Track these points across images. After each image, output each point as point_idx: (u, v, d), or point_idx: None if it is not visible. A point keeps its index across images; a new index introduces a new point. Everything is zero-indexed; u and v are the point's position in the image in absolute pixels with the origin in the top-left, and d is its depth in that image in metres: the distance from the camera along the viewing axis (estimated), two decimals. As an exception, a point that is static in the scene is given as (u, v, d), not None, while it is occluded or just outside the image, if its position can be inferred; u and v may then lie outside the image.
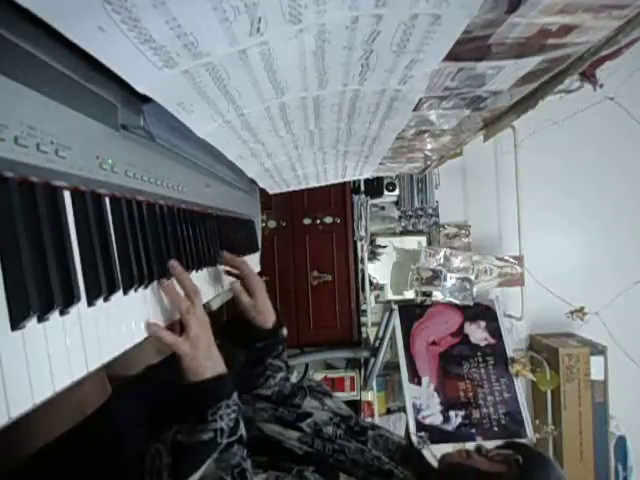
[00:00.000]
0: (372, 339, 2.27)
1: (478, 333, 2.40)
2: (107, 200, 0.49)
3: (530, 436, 2.18)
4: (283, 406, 0.85)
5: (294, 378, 0.95)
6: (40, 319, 0.37)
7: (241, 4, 0.37)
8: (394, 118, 0.77)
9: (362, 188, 2.42)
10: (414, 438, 2.14)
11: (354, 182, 2.38)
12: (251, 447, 0.65)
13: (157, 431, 0.61)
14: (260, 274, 1.21)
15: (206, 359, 0.63)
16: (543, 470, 0.72)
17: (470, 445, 0.81)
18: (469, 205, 2.68)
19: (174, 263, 0.62)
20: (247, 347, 0.89)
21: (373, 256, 2.49)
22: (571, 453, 2.36)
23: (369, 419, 2.23)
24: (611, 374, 2.38)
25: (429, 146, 1.05)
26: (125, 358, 0.52)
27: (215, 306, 0.94)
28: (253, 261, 1.28)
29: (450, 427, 2.19)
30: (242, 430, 0.64)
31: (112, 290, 0.48)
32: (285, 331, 0.94)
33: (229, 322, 0.96)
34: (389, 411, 2.40)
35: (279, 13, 0.40)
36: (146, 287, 0.56)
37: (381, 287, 2.53)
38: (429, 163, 1.27)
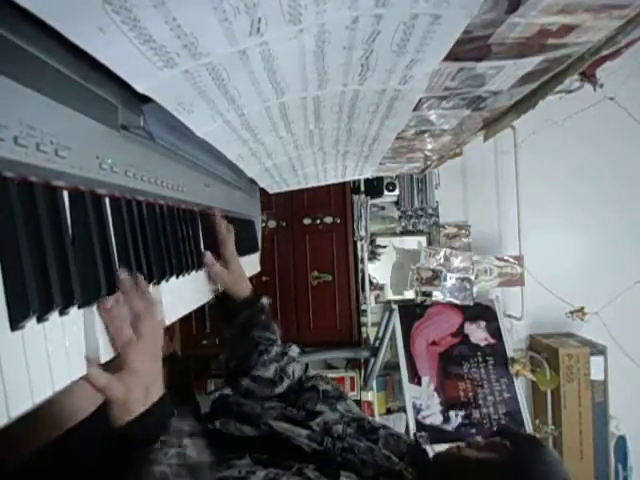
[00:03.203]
0: (372, 339, 2.27)
1: (478, 333, 2.40)
2: (107, 200, 0.49)
3: (530, 436, 2.18)
4: (292, 406, 0.83)
5: (294, 352, 0.92)
6: (39, 319, 0.37)
7: (241, 4, 0.37)
8: (394, 118, 0.77)
9: (362, 188, 2.42)
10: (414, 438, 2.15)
11: (354, 182, 2.38)
12: (259, 443, 0.63)
13: None
14: (260, 274, 1.21)
15: (139, 404, 0.53)
16: (532, 452, 0.70)
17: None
18: (469, 205, 2.68)
19: (123, 276, 0.51)
20: (232, 325, 0.88)
21: (373, 256, 2.49)
22: (571, 453, 2.36)
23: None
24: (611, 374, 2.38)
25: (429, 146, 1.05)
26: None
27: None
28: (253, 261, 1.28)
29: (450, 427, 2.19)
30: (193, 454, 0.56)
31: (111, 290, 0.48)
32: (265, 300, 0.92)
33: (215, 302, 0.94)
34: (389, 411, 2.40)
35: (279, 13, 0.40)
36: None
37: (381, 287, 2.53)
38: (429, 163, 1.27)
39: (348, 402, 0.88)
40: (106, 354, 0.48)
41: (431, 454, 0.80)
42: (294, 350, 0.92)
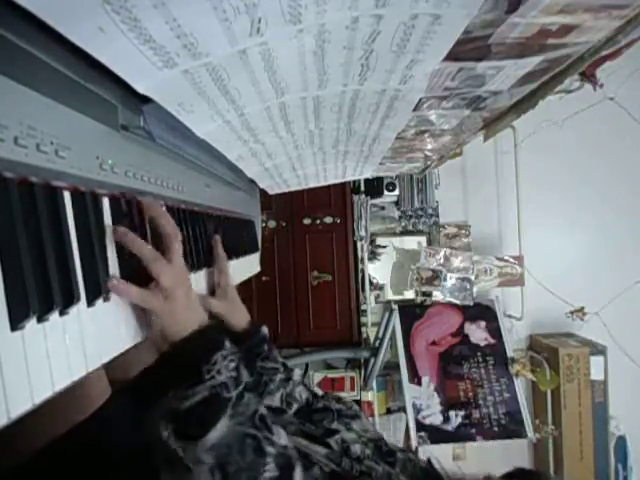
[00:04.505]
0: (372, 339, 2.27)
1: (478, 333, 2.40)
2: (107, 200, 0.49)
3: (530, 436, 2.18)
4: (309, 422, 0.80)
5: (297, 376, 0.89)
6: (40, 319, 0.37)
7: (241, 4, 0.37)
8: (394, 118, 0.77)
9: (362, 188, 2.42)
10: (414, 438, 2.14)
11: (354, 182, 2.38)
12: None
13: (151, 402, 0.55)
14: (260, 274, 1.21)
15: (187, 312, 0.56)
16: None
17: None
18: (469, 205, 2.68)
19: (151, 201, 0.56)
20: None
21: (373, 256, 2.49)
22: (571, 453, 2.36)
23: (369, 419, 2.23)
24: (611, 374, 2.38)
25: (429, 146, 1.05)
26: (125, 361, 0.51)
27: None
28: (253, 261, 1.28)
29: (450, 427, 2.19)
30: (246, 377, 0.59)
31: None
32: (265, 329, 0.89)
33: None
34: (389, 411, 2.40)
35: (279, 13, 0.40)
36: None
37: (381, 287, 2.53)
38: (429, 163, 1.27)
39: (363, 421, 0.85)
40: (108, 354, 0.48)
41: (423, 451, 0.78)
42: (297, 373, 0.90)
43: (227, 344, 0.58)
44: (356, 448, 0.74)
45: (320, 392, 0.92)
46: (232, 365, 0.57)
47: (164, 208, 0.64)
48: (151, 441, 0.55)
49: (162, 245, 0.57)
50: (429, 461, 0.77)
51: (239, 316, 0.86)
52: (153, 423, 0.54)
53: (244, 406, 0.55)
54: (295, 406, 0.86)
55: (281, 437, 0.58)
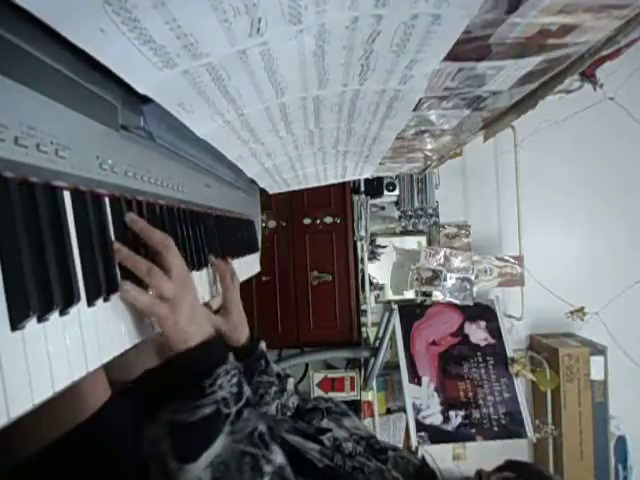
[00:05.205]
0: (372, 339, 2.27)
1: (478, 333, 2.40)
2: (107, 200, 0.49)
3: (530, 436, 2.18)
4: (301, 420, 0.82)
5: (291, 385, 0.91)
6: (40, 319, 0.37)
7: (241, 4, 0.37)
8: (394, 118, 0.77)
9: (362, 188, 2.42)
10: (414, 438, 2.14)
11: (354, 182, 2.38)
12: None
13: (151, 414, 0.54)
14: (260, 274, 1.20)
15: (191, 324, 0.55)
16: None
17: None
18: (469, 205, 2.68)
19: (133, 217, 0.53)
20: None
21: (373, 256, 2.49)
22: (571, 453, 2.36)
23: (369, 419, 2.23)
24: (611, 374, 2.38)
25: (429, 146, 1.05)
26: (125, 361, 0.51)
27: (215, 306, 0.93)
28: (253, 261, 1.28)
29: (450, 427, 2.19)
30: (247, 392, 0.58)
31: (112, 290, 0.48)
32: (263, 345, 0.90)
33: None
34: (389, 411, 2.40)
35: (279, 13, 0.40)
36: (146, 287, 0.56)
37: (381, 287, 2.53)
38: (429, 163, 1.28)
39: (354, 419, 0.86)
40: (108, 354, 0.48)
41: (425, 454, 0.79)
42: (290, 383, 0.91)
43: (230, 358, 0.58)
44: (348, 445, 0.75)
45: (311, 397, 0.93)
46: (234, 380, 0.56)
47: (164, 207, 0.64)
48: (149, 454, 0.54)
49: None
50: (423, 459, 0.77)
51: (240, 331, 0.87)
52: (152, 436, 0.54)
53: (243, 422, 0.55)
54: (288, 414, 0.88)
55: (278, 456, 0.57)
